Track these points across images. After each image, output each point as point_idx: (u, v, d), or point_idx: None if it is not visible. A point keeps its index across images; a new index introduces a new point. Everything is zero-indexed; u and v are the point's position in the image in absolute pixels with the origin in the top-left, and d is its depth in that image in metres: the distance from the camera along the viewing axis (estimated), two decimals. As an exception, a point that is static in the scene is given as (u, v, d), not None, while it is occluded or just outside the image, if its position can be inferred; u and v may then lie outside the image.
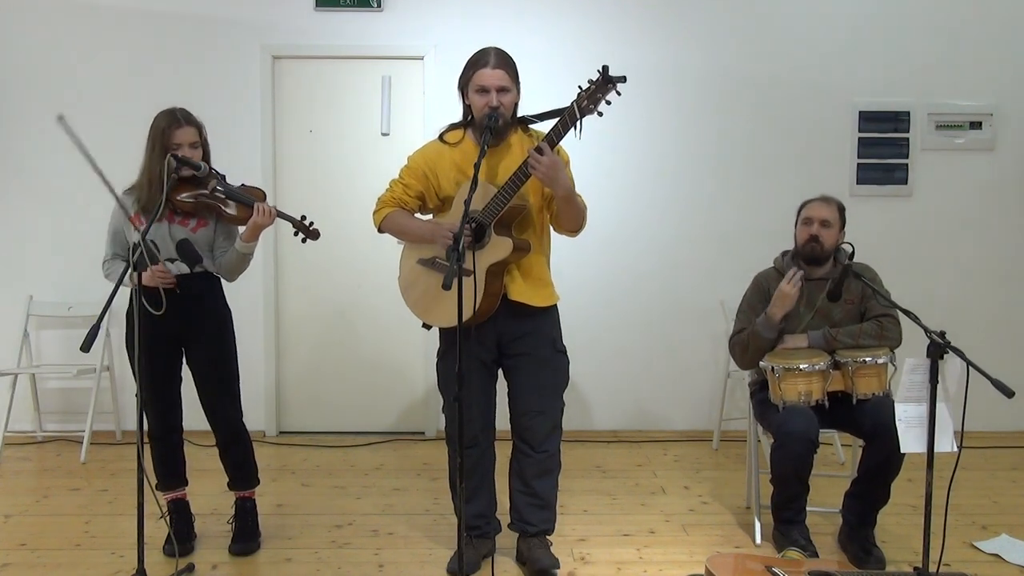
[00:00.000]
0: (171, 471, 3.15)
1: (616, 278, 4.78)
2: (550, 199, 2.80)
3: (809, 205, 3.22)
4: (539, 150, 2.57)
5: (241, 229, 3.05)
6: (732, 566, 2.71)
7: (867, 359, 2.97)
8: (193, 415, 3.17)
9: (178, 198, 2.93)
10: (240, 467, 3.18)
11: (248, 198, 3.00)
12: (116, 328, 4.66)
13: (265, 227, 2.98)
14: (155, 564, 2.89)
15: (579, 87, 2.56)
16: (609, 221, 4.68)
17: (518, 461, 2.93)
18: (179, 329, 3.02)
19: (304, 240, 3.09)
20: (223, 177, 3.03)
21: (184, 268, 2.98)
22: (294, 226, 3.06)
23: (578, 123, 2.58)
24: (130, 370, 3.87)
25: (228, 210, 3.00)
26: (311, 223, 3.09)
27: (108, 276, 3.07)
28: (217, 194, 2.97)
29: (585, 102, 2.54)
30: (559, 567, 2.91)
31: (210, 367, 3.07)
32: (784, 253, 3.32)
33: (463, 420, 2.43)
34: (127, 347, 3.01)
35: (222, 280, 3.12)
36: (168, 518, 3.11)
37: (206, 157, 3.02)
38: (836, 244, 3.18)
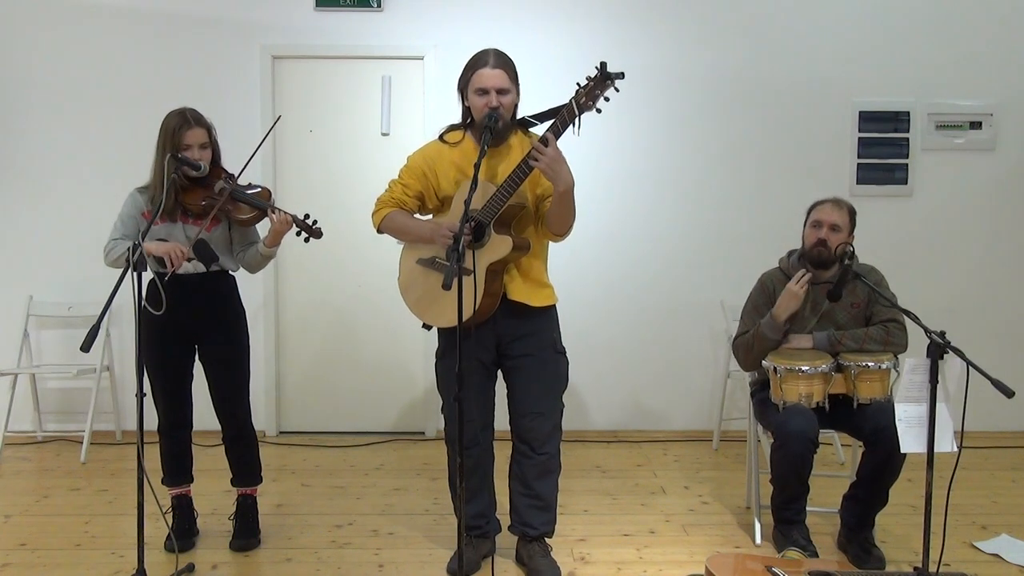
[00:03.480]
0: (178, 467, 3.16)
1: (616, 278, 4.78)
2: (542, 199, 2.79)
3: (819, 207, 3.15)
4: (544, 141, 2.57)
5: (256, 229, 3.08)
6: (732, 566, 2.70)
7: (870, 364, 2.96)
8: (198, 413, 3.18)
9: (188, 201, 2.95)
10: (244, 464, 3.21)
11: (257, 201, 3.00)
12: (116, 328, 4.69)
13: (285, 232, 2.98)
14: (155, 564, 2.89)
15: (577, 84, 2.56)
16: (609, 221, 4.67)
17: (518, 463, 2.91)
18: (193, 326, 3.04)
19: (307, 239, 3.03)
20: (234, 178, 3.02)
21: (200, 267, 2.99)
22: (296, 225, 3.01)
23: (576, 120, 2.57)
24: (131, 370, 3.86)
25: (238, 212, 2.99)
26: (314, 221, 3.04)
27: (110, 253, 2.94)
28: (225, 196, 2.95)
29: (584, 99, 2.54)
30: None
31: (223, 365, 3.09)
32: (790, 253, 3.28)
33: (463, 420, 2.42)
34: (136, 343, 3.02)
35: (237, 280, 3.14)
36: (171, 513, 3.13)
37: (216, 158, 3.02)
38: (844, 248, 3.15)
